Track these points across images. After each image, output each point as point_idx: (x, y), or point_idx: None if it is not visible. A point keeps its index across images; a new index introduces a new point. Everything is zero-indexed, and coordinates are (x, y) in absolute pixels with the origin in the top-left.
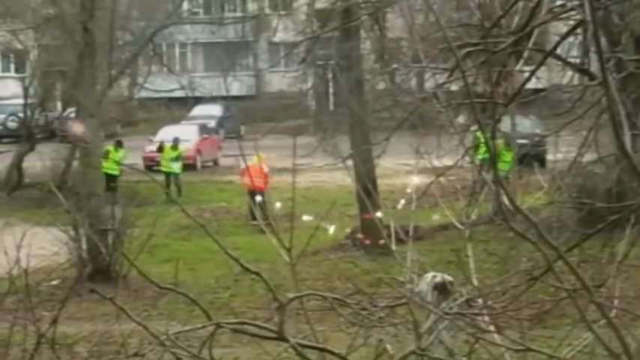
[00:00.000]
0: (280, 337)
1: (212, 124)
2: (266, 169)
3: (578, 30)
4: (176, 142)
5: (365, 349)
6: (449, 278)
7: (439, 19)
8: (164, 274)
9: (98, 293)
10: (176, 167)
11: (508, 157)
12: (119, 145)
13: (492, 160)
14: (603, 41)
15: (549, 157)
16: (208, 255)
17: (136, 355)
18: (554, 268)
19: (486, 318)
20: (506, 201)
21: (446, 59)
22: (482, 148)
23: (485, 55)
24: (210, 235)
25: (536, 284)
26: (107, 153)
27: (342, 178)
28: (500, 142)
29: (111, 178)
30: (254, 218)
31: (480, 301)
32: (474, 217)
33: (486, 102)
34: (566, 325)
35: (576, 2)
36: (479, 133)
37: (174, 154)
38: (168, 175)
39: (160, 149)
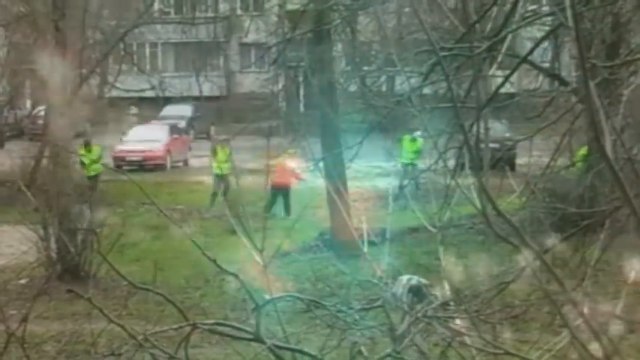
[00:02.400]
0: (257, 339)
1: (182, 124)
2: (292, 166)
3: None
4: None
5: (340, 351)
6: (424, 281)
7: (423, 22)
8: (133, 274)
9: (76, 293)
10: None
11: (414, 147)
12: (88, 145)
13: (474, 165)
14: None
15: (519, 161)
16: (178, 255)
17: (112, 354)
18: (534, 269)
19: (457, 321)
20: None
21: (419, 63)
22: (407, 153)
23: (459, 60)
24: (188, 236)
25: (507, 288)
26: (82, 155)
27: (312, 180)
28: (406, 136)
29: (94, 178)
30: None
31: (453, 304)
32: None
33: (461, 106)
34: (535, 330)
35: (548, 8)
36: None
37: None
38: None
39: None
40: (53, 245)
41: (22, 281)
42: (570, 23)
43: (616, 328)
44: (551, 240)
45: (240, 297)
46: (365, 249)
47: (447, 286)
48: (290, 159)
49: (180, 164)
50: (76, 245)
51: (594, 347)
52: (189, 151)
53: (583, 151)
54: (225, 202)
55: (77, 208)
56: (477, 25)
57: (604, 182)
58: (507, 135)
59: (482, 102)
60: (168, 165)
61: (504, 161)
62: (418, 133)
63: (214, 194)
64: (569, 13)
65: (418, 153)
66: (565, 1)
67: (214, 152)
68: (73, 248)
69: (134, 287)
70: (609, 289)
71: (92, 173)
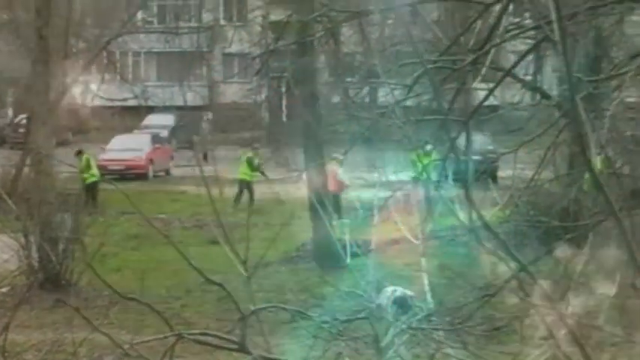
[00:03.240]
0: (242, 349)
1: (164, 133)
2: (340, 174)
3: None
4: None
5: None
6: (409, 293)
7: (410, 34)
8: (114, 284)
9: (63, 302)
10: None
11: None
12: (80, 153)
13: (461, 177)
14: (559, 61)
15: (501, 173)
16: (158, 265)
17: None
18: (521, 281)
19: (440, 333)
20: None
21: (402, 75)
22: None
23: (444, 72)
24: (174, 246)
25: (490, 300)
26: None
27: (294, 191)
28: (419, 151)
29: (91, 186)
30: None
31: (437, 316)
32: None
33: (445, 119)
34: (515, 342)
35: (531, 21)
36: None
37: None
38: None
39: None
40: (34, 254)
41: (3, 290)
42: (556, 37)
43: (598, 339)
44: (535, 253)
45: (222, 307)
46: (348, 260)
47: (429, 298)
48: (337, 166)
49: (162, 174)
50: (57, 254)
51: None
52: (171, 160)
53: (599, 162)
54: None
55: (59, 217)
56: (461, 38)
57: (587, 196)
58: (490, 148)
59: (468, 114)
60: (150, 174)
61: (486, 173)
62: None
63: (237, 199)
64: (555, 26)
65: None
66: (551, 15)
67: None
68: (54, 257)
69: (120, 297)
70: (590, 302)
71: (89, 181)
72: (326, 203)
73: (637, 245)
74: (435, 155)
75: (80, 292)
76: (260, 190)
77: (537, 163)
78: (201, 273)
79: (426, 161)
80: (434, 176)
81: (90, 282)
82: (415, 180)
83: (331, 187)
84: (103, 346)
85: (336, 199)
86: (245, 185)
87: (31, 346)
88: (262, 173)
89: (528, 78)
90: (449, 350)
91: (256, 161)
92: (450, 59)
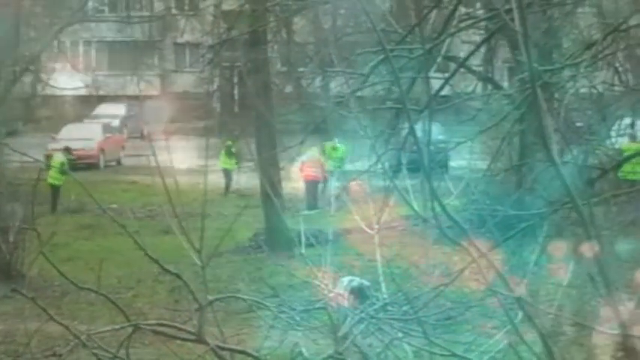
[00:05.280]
0: (200, 340)
1: (115, 123)
2: (323, 160)
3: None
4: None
5: (282, 352)
6: (366, 283)
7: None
8: (65, 274)
9: (21, 293)
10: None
11: (337, 154)
12: (68, 152)
13: (422, 167)
14: (507, 51)
15: (452, 163)
16: (110, 255)
17: (53, 355)
18: (481, 267)
19: (397, 322)
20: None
21: (355, 65)
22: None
23: (399, 62)
24: (130, 236)
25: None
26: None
27: (245, 180)
28: (329, 143)
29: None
30: (309, 209)
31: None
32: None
33: (400, 108)
34: (468, 332)
35: (483, 12)
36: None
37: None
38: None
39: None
40: None
41: None
42: (517, 25)
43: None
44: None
45: (175, 297)
46: (302, 250)
47: (383, 288)
48: (317, 154)
49: (114, 163)
50: (7, 244)
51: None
52: (122, 150)
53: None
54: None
55: (9, 207)
56: (415, 28)
57: (542, 185)
58: (441, 137)
59: (426, 103)
60: (102, 164)
61: (437, 163)
62: (337, 139)
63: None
64: (516, 16)
65: (342, 160)
66: (505, 6)
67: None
68: (4, 247)
69: (76, 287)
70: (542, 291)
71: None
72: (280, 193)
73: (594, 233)
74: (342, 151)
75: (31, 282)
76: (211, 180)
77: (488, 153)
78: (157, 262)
79: (337, 155)
80: (389, 166)
81: (40, 273)
82: (330, 172)
83: (309, 175)
84: (55, 337)
85: (313, 188)
86: (227, 173)
87: None
88: (236, 162)
89: (480, 69)
90: (405, 339)
91: (233, 150)
92: (406, 48)
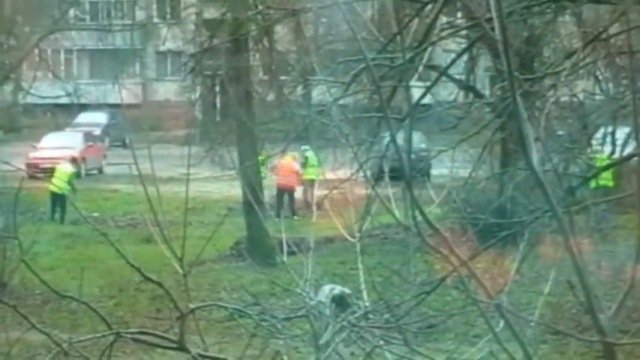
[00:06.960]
0: (181, 348)
1: (97, 131)
2: (297, 168)
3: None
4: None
5: None
6: (347, 291)
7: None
8: (47, 282)
9: (1, 301)
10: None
11: (312, 161)
12: (74, 161)
13: (403, 175)
14: (488, 60)
15: (433, 171)
16: (91, 263)
17: None
18: (462, 276)
19: (378, 331)
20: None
21: (336, 73)
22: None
23: (381, 71)
24: (112, 244)
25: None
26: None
27: (227, 189)
28: (310, 153)
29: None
30: (278, 215)
31: (371, 315)
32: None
33: (382, 117)
34: (449, 340)
35: (464, 21)
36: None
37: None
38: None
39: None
40: None
41: None
42: (497, 34)
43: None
44: (472, 250)
45: (156, 306)
46: (284, 258)
47: (365, 296)
48: (293, 161)
49: (95, 172)
50: None
51: (518, 356)
52: (104, 159)
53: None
54: None
55: None
56: (397, 37)
57: (523, 193)
58: (422, 146)
59: (407, 112)
60: (83, 173)
61: (419, 171)
62: (307, 147)
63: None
64: (496, 24)
65: (316, 168)
66: (486, 15)
67: None
68: None
69: (58, 295)
70: (523, 299)
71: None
72: (262, 200)
73: (573, 241)
74: (311, 158)
75: (12, 291)
76: (193, 189)
77: (470, 161)
78: (139, 271)
79: (309, 163)
80: (371, 174)
81: (21, 281)
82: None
83: (286, 183)
84: (36, 346)
85: (289, 196)
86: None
87: None
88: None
89: (462, 78)
90: (387, 347)
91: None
92: (387, 57)
